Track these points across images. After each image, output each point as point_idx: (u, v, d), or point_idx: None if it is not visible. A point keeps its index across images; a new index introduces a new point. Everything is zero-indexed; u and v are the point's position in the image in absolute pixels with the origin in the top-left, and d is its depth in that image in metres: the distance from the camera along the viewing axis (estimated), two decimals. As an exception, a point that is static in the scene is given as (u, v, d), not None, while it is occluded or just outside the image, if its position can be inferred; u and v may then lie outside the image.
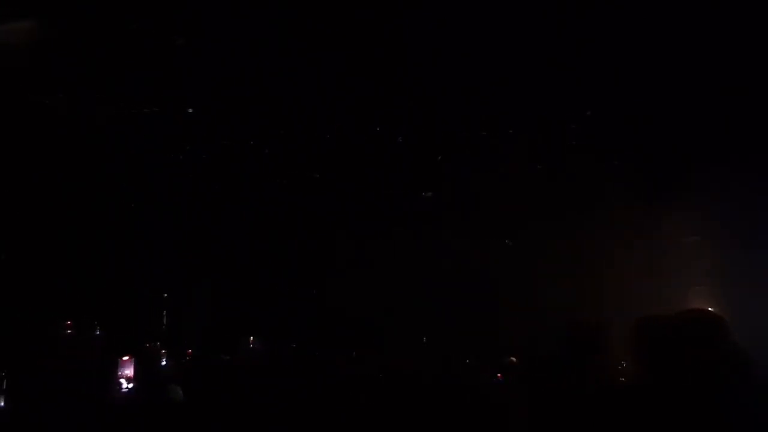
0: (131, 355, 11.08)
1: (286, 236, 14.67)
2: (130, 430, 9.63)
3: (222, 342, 12.93)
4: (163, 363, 12.21)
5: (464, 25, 13.23)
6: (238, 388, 10.97)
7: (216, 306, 14.04)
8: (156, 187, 14.26)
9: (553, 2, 12.77)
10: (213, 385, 11.28)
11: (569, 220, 14.20)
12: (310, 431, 9.59)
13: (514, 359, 11.43)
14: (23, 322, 11.62)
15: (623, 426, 4.78)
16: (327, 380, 11.05)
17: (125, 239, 13.96)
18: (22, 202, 13.04)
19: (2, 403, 9.49)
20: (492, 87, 13.95)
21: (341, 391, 10.35)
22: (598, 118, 14.43)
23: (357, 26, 13.33)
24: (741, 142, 13.67)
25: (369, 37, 13.49)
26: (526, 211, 14.57)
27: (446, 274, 14.30)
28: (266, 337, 12.96)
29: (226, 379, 11.51)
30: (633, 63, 13.50)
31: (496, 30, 13.11)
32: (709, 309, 4.60)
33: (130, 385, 10.91)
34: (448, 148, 15.12)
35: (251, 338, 12.77)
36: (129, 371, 10.99)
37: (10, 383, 9.68)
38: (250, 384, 11.09)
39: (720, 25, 12.35)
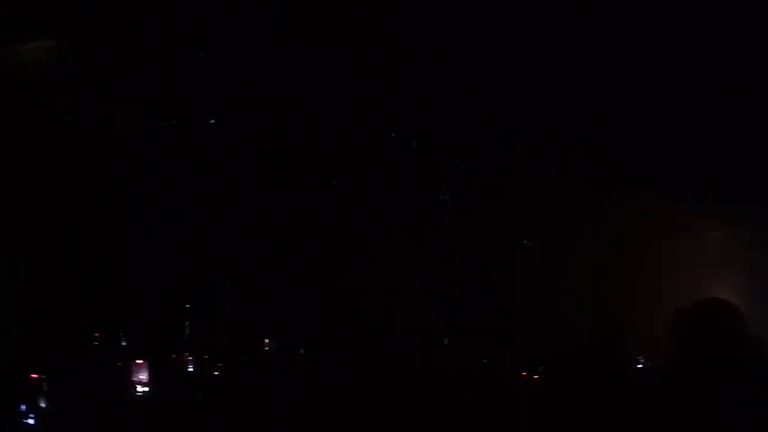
0: (144, 359, 11.09)
1: (302, 240, 14.69)
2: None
3: (243, 346, 12.95)
4: (190, 369, 12.22)
5: (472, 30, 13.26)
6: (256, 391, 10.98)
7: (236, 311, 14.06)
8: (176, 200, 14.32)
9: (558, 4, 12.79)
10: (235, 389, 11.30)
11: (589, 219, 14.18)
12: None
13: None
14: (56, 331, 11.78)
15: (645, 424, 4.75)
16: (341, 381, 11.05)
17: (146, 251, 14.03)
18: (48, 214, 13.18)
19: (44, 404, 9.77)
20: (507, 87, 13.96)
21: (354, 392, 10.33)
22: (618, 117, 14.42)
23: (358, 27, 13.37)
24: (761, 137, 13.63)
25: (373, 39, 13.53)
26: (547, 211, 14.56)
27: (464, 275, 14.29)
28: (283, 340, 12.96)
29: (247, 382, 11.51)
30: (654, 59, 13.48)
31: (505, 34, 13.13)
32: (724, 300, 4.59)
33: (146, 389, 10.93)
34: (467, 149, 15.13)
35: (266, 341, 12.76)
36: (143, 375, 10.98)
37: (50, 386, 9.92)
38: (267, 387, 11.09)
39: (732, 22, 12.34)
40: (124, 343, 11.93)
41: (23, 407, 9.47)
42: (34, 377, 9.83)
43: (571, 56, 13.75)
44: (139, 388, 10.97)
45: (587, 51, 13.66)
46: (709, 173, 13.84)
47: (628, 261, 13.85)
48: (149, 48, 13.74)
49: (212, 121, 14.65)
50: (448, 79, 14.34)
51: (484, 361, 12.71)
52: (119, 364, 11.26)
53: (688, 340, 4.55)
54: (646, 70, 13.82)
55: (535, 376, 10.48)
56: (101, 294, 13.08)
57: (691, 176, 14.11)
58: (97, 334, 11.92)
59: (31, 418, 9.44)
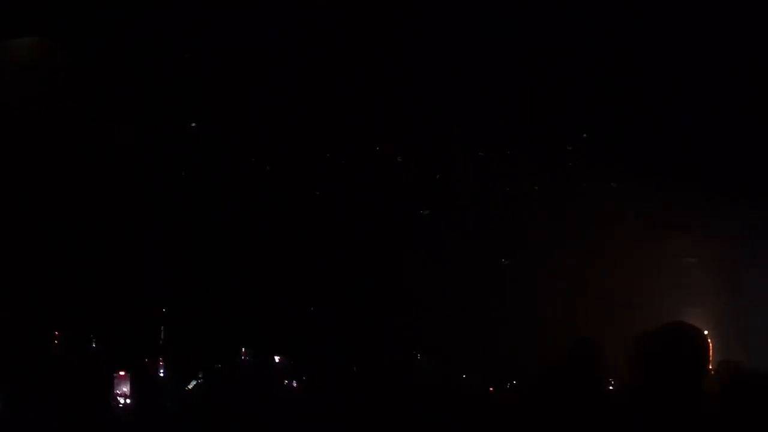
0: (126, 371, 10.95)
1: (282, 250, 14.64)
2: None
3: (217, 353, 12.80)
4: (161, 374, 12.07)
5: (456, 49, 13.33)
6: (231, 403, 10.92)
7: (213, 317, 13.95)
8: (157, 197, 14.25)
9: (555, 20, 12.87)
10: (210, 397, 11.21)
11: (567, 242, 14.23)
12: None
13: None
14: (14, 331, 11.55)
15: None
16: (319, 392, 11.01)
17: (125, 252, 13.91)
18: (20, 207, 13.03)
19: None
20: (490, 106, 14.03)
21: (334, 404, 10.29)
22: (599, 139, 14.49)
23: (347, 43, 13.45)
24: (742, 164, 13.72)
25: (361, 55, 13.60)
26: (527, 231, 14.60)
27: (442, 290, 14.29)
28: (261, 349, 12.84)
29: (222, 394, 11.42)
30: (637, 85, 13.59)
31: (488, 53, 13.21)
32: (687, 323, 4.60)
33: (128, 401, 10.79)
34: (451, 167, 15.18)
35: (243, 350, 12.63)
36: (126, 388, 10.83)
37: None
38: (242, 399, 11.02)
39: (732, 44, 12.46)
40: (94, 345, 11.73)
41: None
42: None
43: (552, 81, 13.87)
44: (121, 401, 10.83)
45: (567, 76, 13.79)
46: (687, 201, 13.93)
47: (605, 285, 13.90)
48: (135, 51, 13.77)
49: (193, 125, 14.64)
50: (432, 96, 14.42)
51: (464, 376, 12.67)
52: (92, 375, 11.10)
53: (651, 362, 4.55)
54: (631, 95, 13.95)
55: (511, 395, 10.48)
56: (70, 292, 12.87)
57: (670, 203, 14.19)
58: (56, 332, 11.66)
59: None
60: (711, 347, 4.56)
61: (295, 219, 14.68)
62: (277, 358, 12.70)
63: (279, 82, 14.61)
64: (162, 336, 13.22)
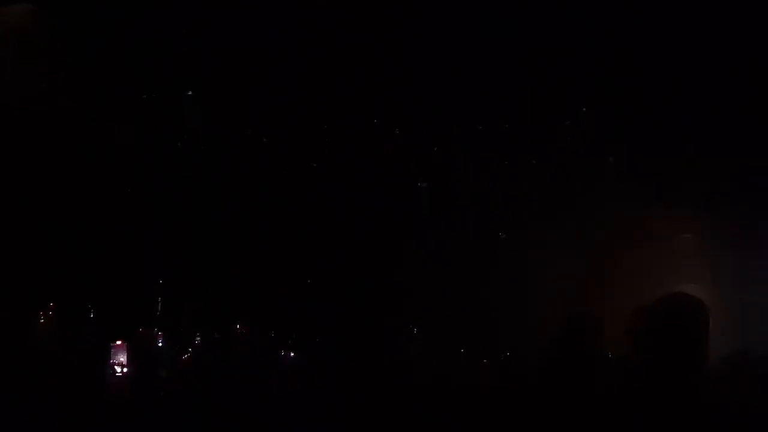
0: (123, 340, 10.92)
1: (282, 228, 14.62)
2: (125, 417, 9.54)
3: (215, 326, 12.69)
4: (159, 344, 11.99)
5: (462, 23, 13.37)
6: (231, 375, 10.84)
7: (211, 290, 13.88)
8: (152, 171, 14.26)
9: (555, 20, 12.94)
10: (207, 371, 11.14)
11: (564, 217, 14.25)
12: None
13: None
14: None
15: (613, 415, 4.70)
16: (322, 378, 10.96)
17: (126, 250, 13.90)
18: (19, 206, 13.01)
19: None
20: (489, 81, 14.07)
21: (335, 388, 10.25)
22: (593, 115, 14.54)
23: (340, 16, 13.51)
24: (736, 140, 13.76)
25: (357, 28, 13.66)
26: (522, 208, 14.64)
27: (442, 269, 14.28)
28: (259, 328, 12.74)
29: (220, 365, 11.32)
30: (631, 60, 13.66)
31: (493, 27, 13.27)
32: (688, 294, 4.55)
33: (125, 371, 10.76)
34: (447, 143, 15.22)
35: (237, 326, 12.52)
36: (122, 357, 10.81)
37: None
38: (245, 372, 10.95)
39: (720, 22, 12.51)
40: (92, 316, 11.66)
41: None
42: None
43: (552, 53, 13.91)
44: (118, 370, 10.80)
45: (575, 49, 13.82)
46: (682, 176, 13.98)
47: (601, 260, 13.92)
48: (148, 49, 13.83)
49: (190, 93, 14.67)
50: (431, 68, 14.45)
51: (461, 350, 12.66)
52: (86, 345, 11.04)
53: (653, 333, 4.52)
54: (626, 72, 14.00)
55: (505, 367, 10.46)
56: (69, 285, 12.81)
57: (665, 179, 14.23)
58: (52, 304, 11.56)
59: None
60: (709, 318, 4.53)
61: (293, 217, 14.69)
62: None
63: (279, 82, 14.65)
64: (159, 309, 13.13)
